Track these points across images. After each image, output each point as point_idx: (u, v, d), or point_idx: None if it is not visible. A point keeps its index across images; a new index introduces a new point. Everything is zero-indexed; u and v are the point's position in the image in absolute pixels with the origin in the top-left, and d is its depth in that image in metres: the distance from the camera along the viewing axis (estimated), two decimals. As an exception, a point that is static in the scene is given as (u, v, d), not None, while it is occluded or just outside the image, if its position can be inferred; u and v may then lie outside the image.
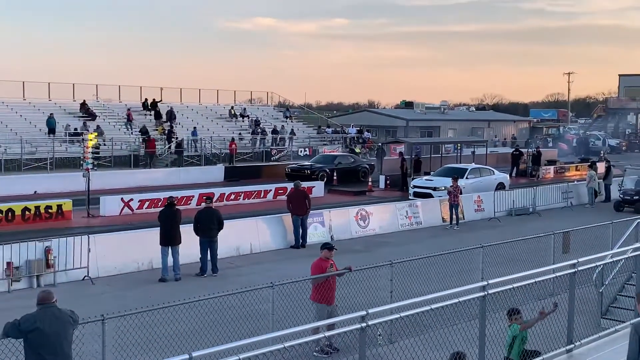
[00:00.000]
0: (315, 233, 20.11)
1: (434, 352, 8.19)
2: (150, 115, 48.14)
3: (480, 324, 7.84)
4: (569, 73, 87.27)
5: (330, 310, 10.67)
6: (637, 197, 27.01)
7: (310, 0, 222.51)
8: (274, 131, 50.12)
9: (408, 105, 74.59)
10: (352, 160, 36.68)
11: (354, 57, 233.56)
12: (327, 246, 11.15)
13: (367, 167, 36.45)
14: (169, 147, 42.23)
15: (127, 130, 44.31)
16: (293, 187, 20.32)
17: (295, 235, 19.27)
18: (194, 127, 45.81)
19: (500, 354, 8.55)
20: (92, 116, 44.55)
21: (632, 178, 28.19)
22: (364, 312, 6.57)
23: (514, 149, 41.30)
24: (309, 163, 35.44)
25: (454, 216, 23.17)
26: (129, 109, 46.68)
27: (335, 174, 34.35)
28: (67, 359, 7.32)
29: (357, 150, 44.20)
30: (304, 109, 76.74)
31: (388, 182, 33.29)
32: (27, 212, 21.73)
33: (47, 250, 14.62)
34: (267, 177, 34.95)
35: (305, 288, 10.58)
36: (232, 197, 27.33)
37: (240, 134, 48.84)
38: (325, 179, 32.57)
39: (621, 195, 27.45)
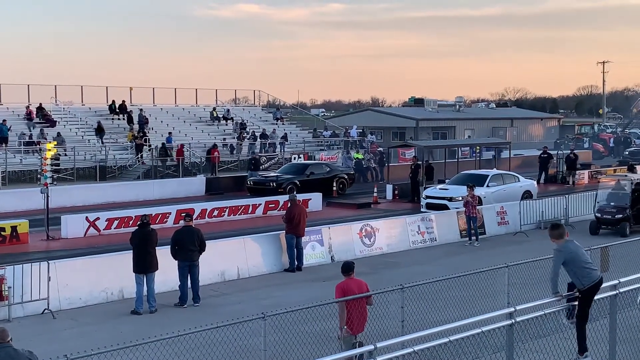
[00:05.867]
0: (313, 253, 20.09)
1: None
2: (120, 119, 48.20)
3: (508, 358, 7.82)
4: (603, 62, 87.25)
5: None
6: (619, 216, 23.97)
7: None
8: (263, 135, 50.18)
9: (418, 102, 74.85)
10: (328, 169, 36.55)
11: (354, 48, 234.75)
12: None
13: (346, 177, 36.44)
14: (141, 157, 42.26)
15: (28, 130, 42.71)
16: (289, 201, 20.23)
17: (290, 256, 19.26)
18: (169, 133, 45.87)
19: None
20: (50, 122, 44.57)
21: (608, 191, 25.32)
22: (371, 347, 6.56)
23: (541, 151, 41.42)
24: (275, 174, 35.54)
25: (472, 231, 23.20)
26: (28, 106, 45.26)
27: (333, 186, 34.42)
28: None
29: (360, 156, 44.25)
30: (297, 109, 76.95)
31: (396, 192, 33.32)
32: (-24, 236, 21.66)
33: (0, 280, 14.56)
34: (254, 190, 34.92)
35: (302, 319, 10.51)
36: (215, 213, 27.33)
37: (223, 139, 48.89)
38: (294, 192, 32.51)
39: (597, 214, 24.56)
